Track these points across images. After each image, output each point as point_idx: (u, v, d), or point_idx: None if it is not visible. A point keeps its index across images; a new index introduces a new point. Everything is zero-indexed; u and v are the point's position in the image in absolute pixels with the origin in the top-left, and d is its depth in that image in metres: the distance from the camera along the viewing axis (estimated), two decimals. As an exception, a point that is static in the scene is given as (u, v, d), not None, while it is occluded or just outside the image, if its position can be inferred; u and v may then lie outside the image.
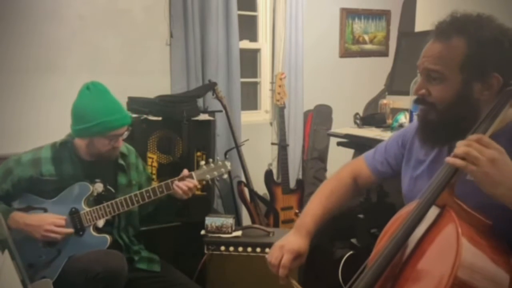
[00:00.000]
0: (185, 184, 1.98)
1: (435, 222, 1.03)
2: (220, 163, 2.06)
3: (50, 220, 1.86)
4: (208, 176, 2.04)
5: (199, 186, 2.05)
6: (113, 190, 2.03)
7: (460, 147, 0.98)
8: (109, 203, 1.94)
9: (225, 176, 2.10)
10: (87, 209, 1.94)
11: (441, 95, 1.14)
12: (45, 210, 1.93)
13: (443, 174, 1.03)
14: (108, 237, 1.95)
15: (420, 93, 1.18)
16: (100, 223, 1.98)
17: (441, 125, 1.15)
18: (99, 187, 2.00)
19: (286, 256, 1.32)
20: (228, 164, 2.08)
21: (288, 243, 1.35)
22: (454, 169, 1.01)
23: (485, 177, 0.95)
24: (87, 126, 1.89)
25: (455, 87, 1.13)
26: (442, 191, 1.03)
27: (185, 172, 2.03)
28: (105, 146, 1.94)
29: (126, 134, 2.00)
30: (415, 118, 2.44)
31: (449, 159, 1.00)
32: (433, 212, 1.04)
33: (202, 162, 2.08)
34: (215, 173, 2.05)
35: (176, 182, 1.99)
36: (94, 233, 1.95)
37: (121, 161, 2.05)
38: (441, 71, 1.13)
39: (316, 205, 1.42)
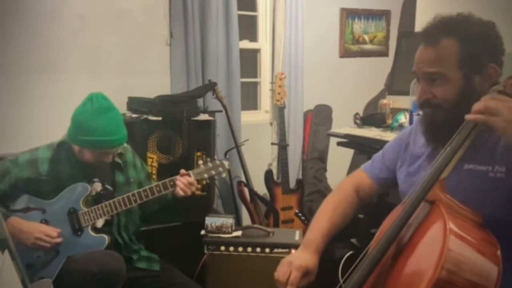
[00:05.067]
0: (183, 179, 1.98)
1: (426, 217, 1.05)
2: (218, 162, 2.06)
3: (42, 229, 1.86)
4: (205, 175, 2.04)
5: (198, 186, 2.04)
6: (111, 188, 2.04)
7: (477, 104, 1.02)
8: (107, 203, 1.94)
9: (224, 175, 2.09)
10: (85, 209, 1.94)
11: (446, 95, 1.17)
12: (44, 211, 1.93)
13: (441, 161, 1.06)
14: (106, 237, 1.95)
15: (424, 97, 1.20)
16: (99, 223, 1.98)
17: (451, 123, 1.15)
18: (97, 186, 2.01)
19: (294, 273, 1.27)
20: (226, 163, 2.08)
21: (297, 259, 1.30)
22: (464, 138, 1.05)
23: (508, 124, 0.97)
24: (80, 138, 1.90)
25: (457, 84, 1.16)
26: (432, 186, 1.06)
27: (183, 171, 2.03)
28: (92, 158, 1.94)
29: (119, 150, 2.01)
30: (415, 118, 2.45)
31: (469, 116, 1.03)
32: (424, 208, 1.07)
33: (200, 162, 2.08)
34: (213, 172, 2.04)
35: (178, 177, 1.99)
36: (92, 233, 1.95)
37: (118, 160, 2.05)
38: (441, 72, 1.16)
39: (322, 220, 1.39)
